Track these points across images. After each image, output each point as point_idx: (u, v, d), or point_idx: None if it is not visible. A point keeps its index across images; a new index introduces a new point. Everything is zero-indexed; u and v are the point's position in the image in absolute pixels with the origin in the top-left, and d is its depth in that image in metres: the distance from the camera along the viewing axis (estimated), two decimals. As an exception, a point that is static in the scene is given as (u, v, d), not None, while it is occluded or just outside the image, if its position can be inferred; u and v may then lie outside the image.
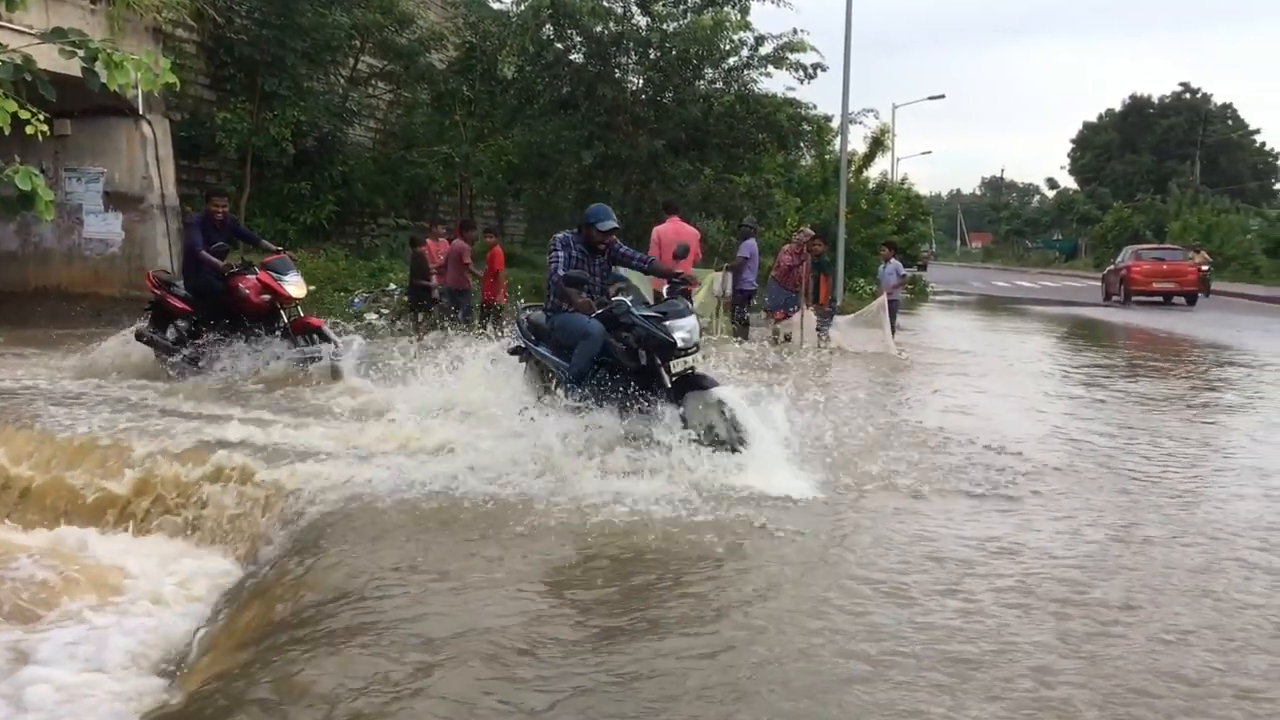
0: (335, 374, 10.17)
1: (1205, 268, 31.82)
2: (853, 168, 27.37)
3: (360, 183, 20.90)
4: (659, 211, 15.51)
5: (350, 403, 8.88)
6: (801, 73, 20.38)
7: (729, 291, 15.43)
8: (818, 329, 14.58)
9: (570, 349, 7.08)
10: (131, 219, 16.59)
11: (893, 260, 16.89)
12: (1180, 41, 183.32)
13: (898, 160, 42.88)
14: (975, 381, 11.69)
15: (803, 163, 28.66)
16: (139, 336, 10.94)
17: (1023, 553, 4.98)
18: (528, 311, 8.19)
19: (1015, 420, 8.85)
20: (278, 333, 10.54)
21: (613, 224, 7.45)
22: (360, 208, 21.95)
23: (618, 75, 20.86)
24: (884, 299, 15.61)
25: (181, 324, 10.91)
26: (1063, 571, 4.68)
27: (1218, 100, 78.06)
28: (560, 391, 7.08)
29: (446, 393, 8.33)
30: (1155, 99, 79.17)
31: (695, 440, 6.46)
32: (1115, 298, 31.15)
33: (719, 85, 21.04)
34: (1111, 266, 33.65)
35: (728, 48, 20.36)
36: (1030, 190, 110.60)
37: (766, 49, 20.43)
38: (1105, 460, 7.19)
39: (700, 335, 7.01)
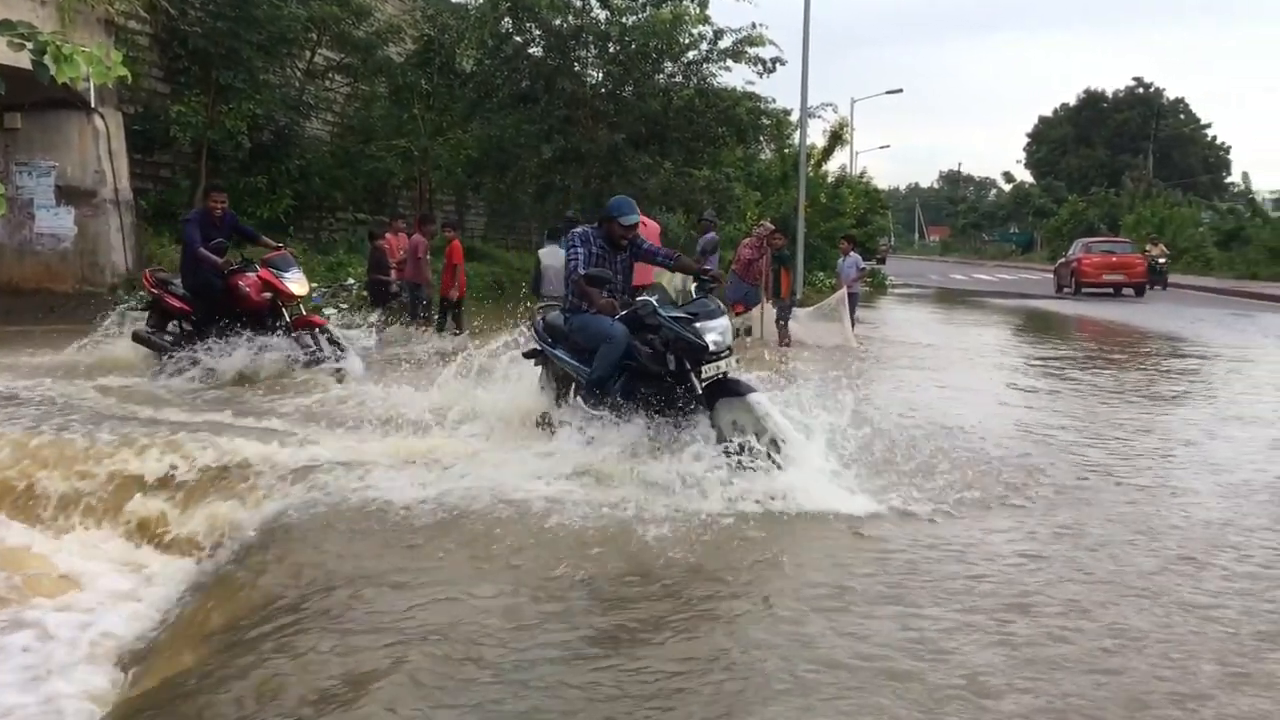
0: (340, 375, 9.87)
1: (1163, 260, 32.33)
2: (812, 161, 27.48)
3: (318, 176, 20.73)
4: (619, 205, 15.48)
5: (357, 408, 8.34)
6: (760, 67, 20.47)
7: (690, 285, 15.44)
8: (778, 322, 14.63)
9: (591, 352, 6.63)
10: (84, 214, 16.35)
11: (852, 253, 17.01)
12: (1133, 37, 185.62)
13: (856, 154, 43.09)
14: (962, 376, 11.78)
15: (762, 156, 28.79)
16: (136, 338, 10.56)
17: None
18: (544, 312, 7.68)
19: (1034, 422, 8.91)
20: (280, 332, 10.21)
21: (637, 218, 6.95)
22: (318, 202, 21.77)
23: (577, 69, 20.83)
24: (843, 292, 15.71)
25: (180, 324, 10.59)
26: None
27: (1170, 95, 79.15)
28: (579, 399, 6.63)
29: (459, 396, 7.86)
30: (1109, 93, 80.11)
31: (731, 451, 5.96)
32: (1066, 290, 31.64)
33: (678, 79, 21.06)
34: (1063, 259, 34.21)
35: (687, 41, 20.38)
36: (987, 184, 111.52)
37: (726, 43, 20.49)
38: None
39: (734, 337, 6.50)
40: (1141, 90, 78.53)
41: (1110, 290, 30.47)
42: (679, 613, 4.10)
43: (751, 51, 20.33)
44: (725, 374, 6.30)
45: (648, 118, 20.67)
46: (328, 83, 22.94)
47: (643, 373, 6.51)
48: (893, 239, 64.67)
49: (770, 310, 14.88)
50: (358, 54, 21.84)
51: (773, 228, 15.53)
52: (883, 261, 35.51)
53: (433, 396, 8.13)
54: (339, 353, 10.20)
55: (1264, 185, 74.40)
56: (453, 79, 21.67)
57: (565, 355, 6.95)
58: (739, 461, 5.91)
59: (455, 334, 13.92)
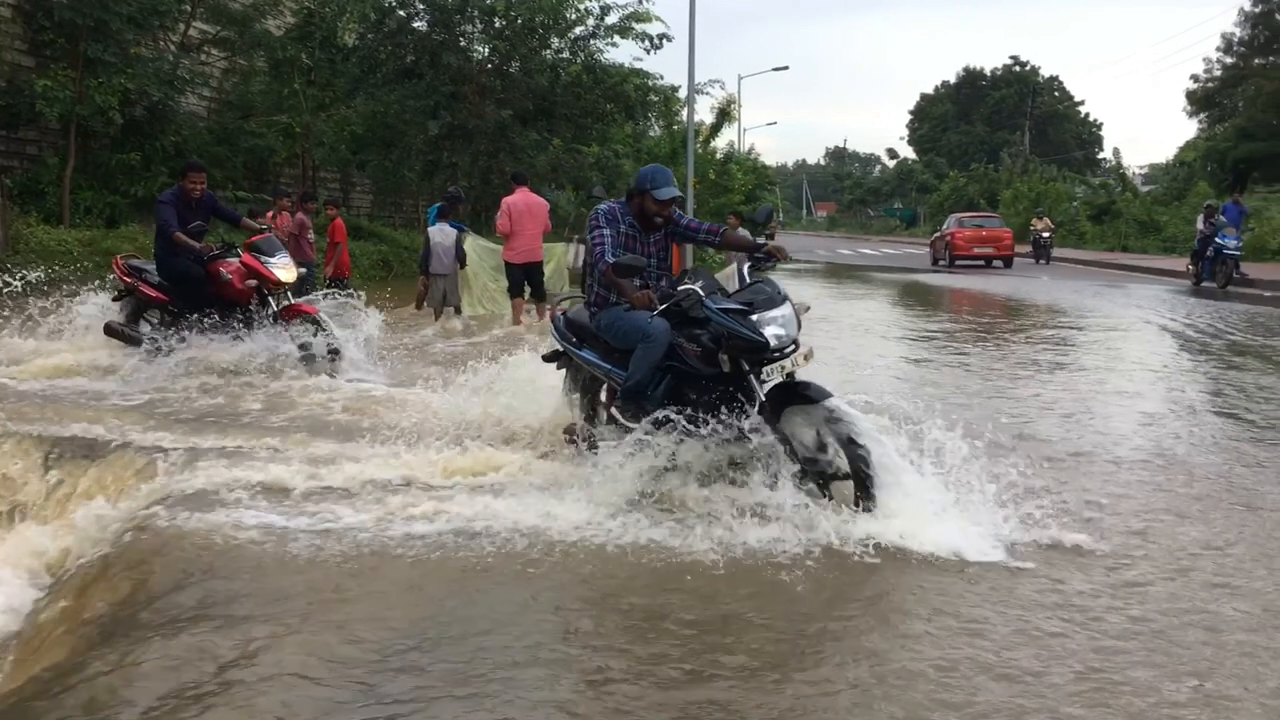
0: (334, 369, 9.21)
1: (1047, 235, 33.43)
2: (700, 138, 27.68)
3: (195, 153, 19.99)
4: (507, 182, 15.39)
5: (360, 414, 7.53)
6: (648, 43, 20.54)
7: (579, 263, 15.48)
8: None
9: (624, 354, 5.55)
10: (-57, 193, 15.56)
11: (740, 229, 17.16)
12: (1009, 14, 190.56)
13: (744, 131, 43.60)
14: (860, 349, 11.95)
15: (651, 133, 28.90)
16: (108, 330, 9.69)
17: None
18: (566, 305, 6.63)
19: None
20: (266, 322, 9.46)
21: (674, 191, 5.73)
22: (196, 180, 21.12)
23: (463, 44, 20.61)
24: (734, 268, 15.83)
25: (156, 315, 9.86)
26: None
27: (1045, 73, 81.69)
28: (614, 409, 5.57)
29: (476, 403, 6.84)
30: (987, 71, 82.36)
31: (806, 471, 5.06)
32: (941, 262, 32.67)
33: (566, 55, 21.02)
34: (938, 234, 35.29)
35: (574, 17, 20.33)
36: (872, 160, 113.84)
37: (612, 19, 20.51)
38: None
39: (800, 329, 5.28)
40: (1018, 68, 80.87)
41: (981, 262, 31.54)
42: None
43: (638, 28, 20.40)
44: (792, 375, 5.20)
45: (535, 94, 20.56)
46: (203, 57, 22.20)
47: (690, 376, 5.42)
48: (781, 215, 65.43)
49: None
50: (234, 27, 21.18)
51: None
52: (772, 237, 35.80)
53: (447, 403, 7.08)
54: (333, 344, 9.45)
55: (1134, 161, 77.31)
56: (334, 53, 21.20)
57: (594, 357, 5.88)
58: (815, 488, 5.05)
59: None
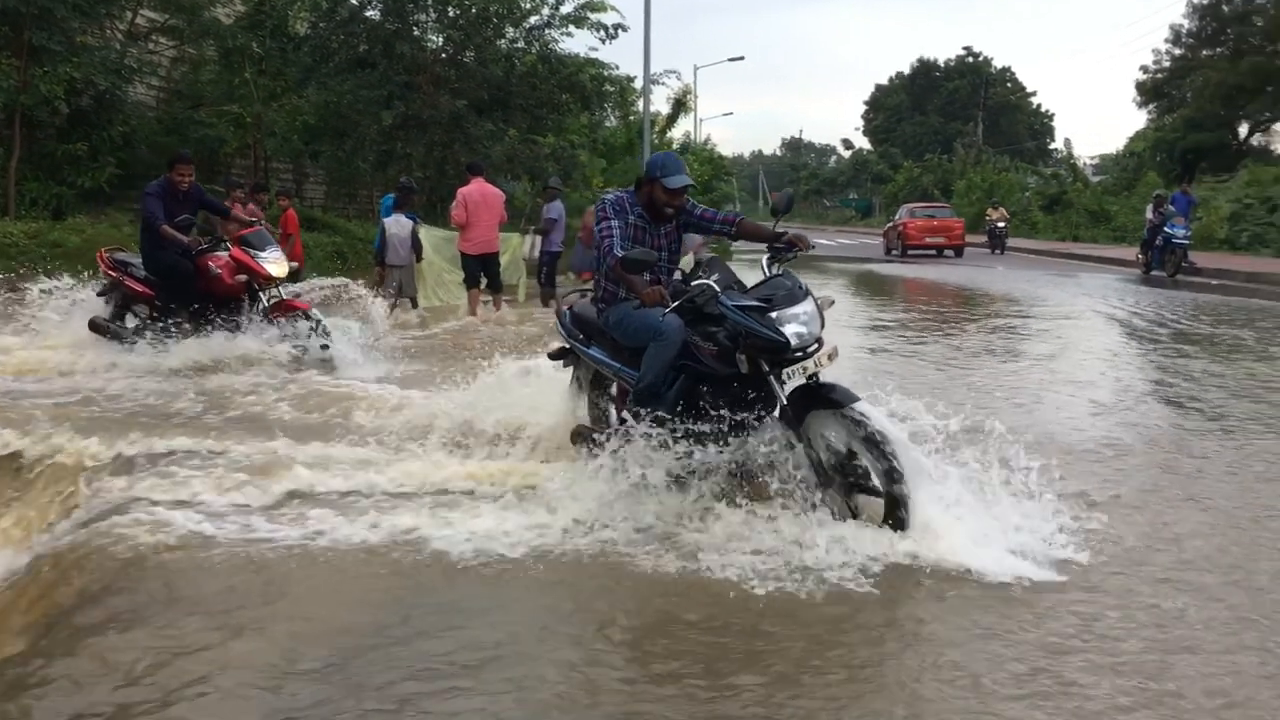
0: (328, 366, 8.99)
1: (1002, 225, 33.78)
2: (656, 129, 27.66)
3: (144, 144, 19.76)
4: (463, 173, 15.29)
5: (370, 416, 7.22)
6: (603, 33, 20.51)
7: (536, 254, 15.42)
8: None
9: (634, 352, 5.26)
10: (-117, 184, 15.20)
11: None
12: (963, 5, 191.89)
13: (700, 121, 43.75)
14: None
15: (607, 124, 28.80)
16: (93, 326, 9.41)
17: None
18: (572, 300, 6.27)
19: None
20: (257, 318, 9.20)
21: (686, 179, 5.41)
22: (145, 170, 20.68)
23: (416, 33, 20.46)
24: (690, 257, 15.84)
25: (142, 310, 9.60)
26: None
27: (998, 64, 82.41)
28: (626, 412, 5.17)
29: (490, 404, 6.51)
30: (941, 62, 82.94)
31: (831, 481, 4.75)
32: (894, 252, 32.98)
33: (521, 45, 20.91)
34: (891, 224, 35.63)
35: (528, 6, 20.24)
36: (827, 150, 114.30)
37: (567, 8, 20.48)
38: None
39: (823, 326, 4.93)
40: (971, 59, 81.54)
41: (933, 252, 31.86)
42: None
43: (593, 17, 20.37)
44: (815, 377, 4.84)
45: (490, 84, 20.43)
46: (151, 45, 21.84)
47: (706, 376, 5.10)
48: (738, 205, 65.60)
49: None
50: (183, 15, 20.84)
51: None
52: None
53: (461, 405, 6.75)
54: (326, 340, 9.23)
55: (1084, 151, 78.28)
56: (286, 42, 20.95)
57: (603, 355, 5.61)
58: (840, 501, 4.74)
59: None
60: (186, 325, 9.13)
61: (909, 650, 3.66)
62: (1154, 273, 22.05)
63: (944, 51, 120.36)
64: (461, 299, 13.96)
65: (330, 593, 4.06)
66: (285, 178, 24.97)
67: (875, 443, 4.49)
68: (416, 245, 13.50)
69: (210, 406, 7.50)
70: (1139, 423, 7.21)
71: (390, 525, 4.70)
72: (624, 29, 20.75)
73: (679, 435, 4.89)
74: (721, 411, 4.88)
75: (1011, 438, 5.07)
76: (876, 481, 4.60)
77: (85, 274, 10.51)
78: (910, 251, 32.19)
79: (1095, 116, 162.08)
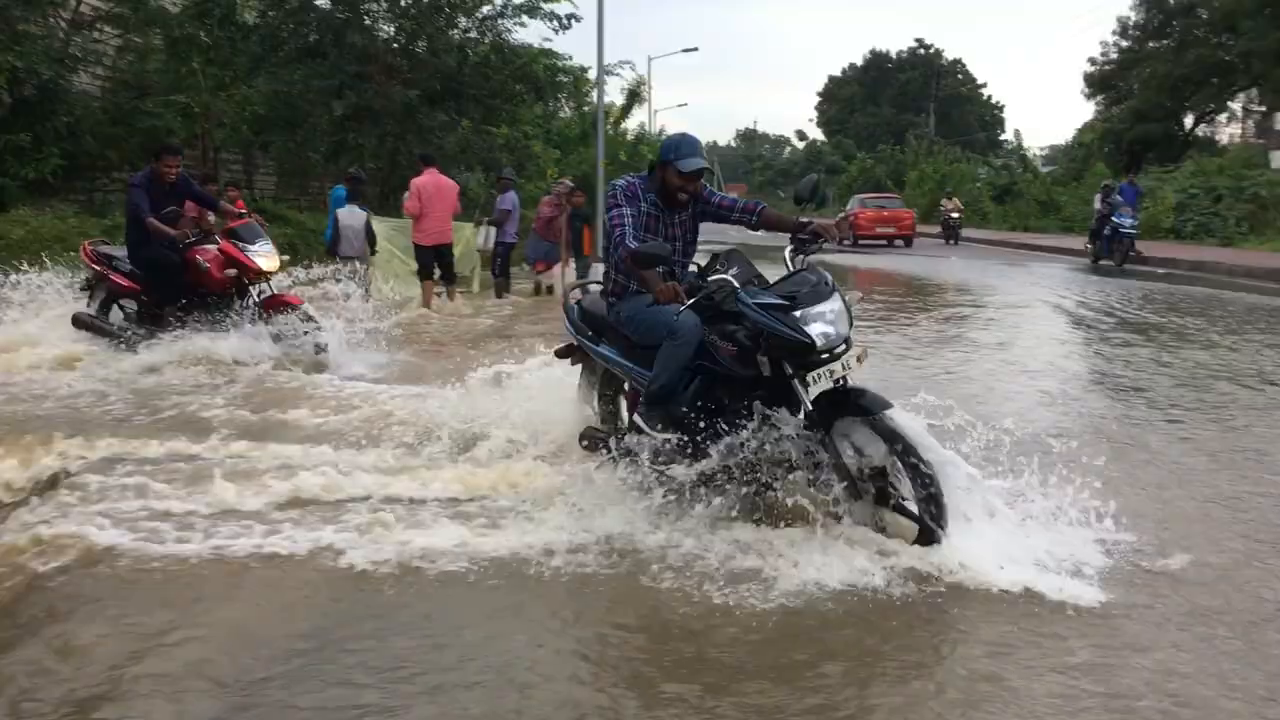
0: (320, 363, 8.77)
1: (956, 215, 34.05)
2: (610, 120, 27.61)
3: (89, 134, 19.41)
4: (415, 164, 15.19)
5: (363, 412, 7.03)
6: (556, 23, 20.44)
7: (490, 245, 15.36)
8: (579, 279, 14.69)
9: (647, 349, 4.91)
10: None
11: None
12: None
13: (655, 112, 43.74)
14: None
15: (561, 114, 28.73)
16: (77, 322, 9.17)
17: None
18: (580, 292, 5.88)
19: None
20: (247, 313, 8.98)
21: (701, 162, 5.01)
22: (91, 161, 20.39)
23: (367, 23, 20.28)
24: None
25: (128, 305, 9.38)
26: None
27: (949, 55, 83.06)
28: (637, 416, 4.89)
29: (491, 405, 6.29)
30: (893, 54, 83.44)
31: (860, 494, 4.43)
32: (845, 242, 33.15)
33: (473, 35, 20.78)
34: (841, 214, 35.81)
35: (481, -4, 20.09)
36: (781, 141, 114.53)
37: (520, -2, 20.29)
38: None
39: (851, 326, 4.58)
40: (923, 51, 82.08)
41: (884, 242, 32.14)
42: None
43: (546, 7, 20.33)
44: (844, 381, 4.51)
45: (443, 74, 20.30)
46: (96, 34, 21.46)
47: (724, 378, 4.74)
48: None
49: (572, 268, 14.92)
50: (128, 3, 20.47)
51: (572, 186, 15.55)
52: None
53: (459, 404, 6.57)
54: (317, 335, 8.97)
55: (1034, 142, 79.13)
56: (234, 31, 20.65)
57: (613, 354, 5.27)
58: (867, 516, 4.44)
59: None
60: (173, 320, 8.94)
61: (947, 669, 3.45)
62: (1102, 262, 22.37)
63: (896, 43, 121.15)
64: (415, 290, 13.87)
65: (252, 607, 3.87)
66: (235, 168, 24.64)
67: (909, 453, 4.19)
68: (370, 236, 13.39)
69: (141, 406, 7.24)
70: (1087, 411, 7.32)
71: (313, 538, 4.46)
72: (577, 19, 20.73)
73: (694, 441, 4.61)
74: (741, 417, 4.54)
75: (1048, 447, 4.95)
76: (908, 494, 4.32)
77: (33, 268, 10.23)
78: (861, 242, 32.45)
79: (1045, 108, 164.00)
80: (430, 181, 13.27)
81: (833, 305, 4.48)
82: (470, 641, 3.60)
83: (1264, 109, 41.66)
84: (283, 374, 8.42)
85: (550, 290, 15.36)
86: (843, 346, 4.48)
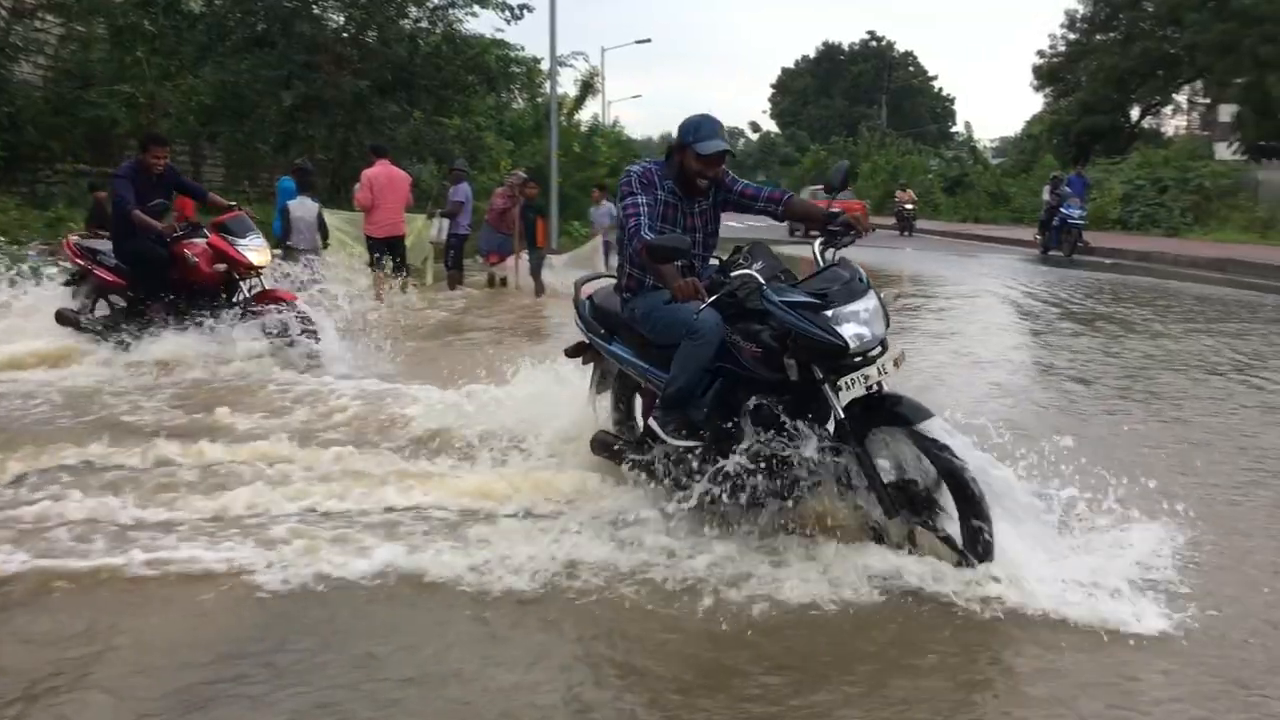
0: (314, 359, 8.49)
1: (910, 207, 34.27)
2: (564, 111, 27.49)
3: (31, 125, 19.05)
4: (366, 155, 15.02)
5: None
6: (508, 13, 20.30)
7: (443, 237, 15.25)
8: (533, 272, 14.63)
9: (665, 349, 4.56)
10: None
11: (605, 202, 17.14)
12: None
13: (609, 103, 43.64)
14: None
15: (514, 106, 28.54)
16: (60, 318, 8.92)
17: None
18: (591, 288, 5.47)
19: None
20: (237, 308, 8.71)
21: (723, 145, 4.60)
22: (32, 152, 20.02)
23: (316, 11, 20.01)
24: (598, 240, 15.85)
25: (113, 301, 9.10)
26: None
27: (900, 48, 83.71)
28: (653, 421, 4.58)
29: (494, 406, 6.13)
30: (846, 46, 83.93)
31: (895, 511, 4.06)
32: (797, 233, 33.29)
33: (424, 24, 20.59)
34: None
35: (432, -15, 19.91)
36: (735, 133, 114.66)
37: (472, -12, 20.12)
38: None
39: (887, 327, 4.26)
40: (875, 44, 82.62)
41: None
42: None
43: (498, -3, 20.09)
44: (878, 387, 4.17)
45: (394, 64, 20.09)
46: (38, 23, 21.05)
47: (747, 381, 4.35)
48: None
49: (525, 260, 14.85)
50: (71, -8, 20.14)
51: (525, 177, 15.46)
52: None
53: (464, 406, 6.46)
54: (311, 333, 8.67)
55: (984, 134, 79.87)
56: (180, 20, 20.29)
57: (627, 353, 4.94)
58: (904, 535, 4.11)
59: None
60: (160, 317, 8.68)
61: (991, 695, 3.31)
62: (1051, 252, 22.65)
63: (848, 35, 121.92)
64: (366, 282, 13.72)
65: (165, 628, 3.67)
66: (182, 159, 24.27)
67: (952, 471, 3.84)
68: (323, 229, 13.24)
69: (74, 410, 6.94)
70: (1037, 401, 7.39)
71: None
72: (529, 10, 20.59)
73: (712, 448, 4.32)
74: (764, 424, 4.21)
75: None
76: (948, 511, 3.98)
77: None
78: (811, 232, 32.60)
79: (994, 100, 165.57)
80: (382, 173, 13.14)
81: (867, 304, 4.15)
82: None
83: (1208, 101, 42.38)
84: (275, 372, 8.22)
85: (504, 282, 15.30)
86: (878, 349, 4.16)
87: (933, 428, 3.92)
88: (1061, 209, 22.30)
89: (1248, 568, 4.22)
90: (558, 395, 5.91)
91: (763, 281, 4.22)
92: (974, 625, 3.63)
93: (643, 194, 4.58)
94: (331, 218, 14.09)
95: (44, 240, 15.11)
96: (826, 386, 4.12)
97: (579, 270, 15.41)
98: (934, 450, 3.89)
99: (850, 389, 4.11)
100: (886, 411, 4.09)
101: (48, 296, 9.47)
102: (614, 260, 16.90)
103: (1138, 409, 7.21)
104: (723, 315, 4.32)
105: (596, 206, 17.28)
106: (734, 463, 4.18)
